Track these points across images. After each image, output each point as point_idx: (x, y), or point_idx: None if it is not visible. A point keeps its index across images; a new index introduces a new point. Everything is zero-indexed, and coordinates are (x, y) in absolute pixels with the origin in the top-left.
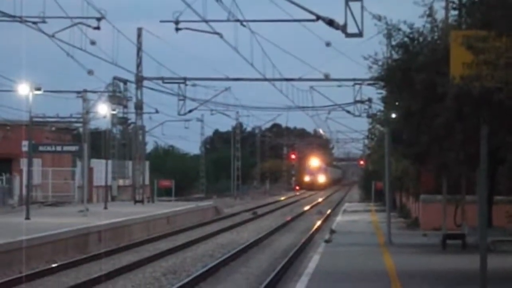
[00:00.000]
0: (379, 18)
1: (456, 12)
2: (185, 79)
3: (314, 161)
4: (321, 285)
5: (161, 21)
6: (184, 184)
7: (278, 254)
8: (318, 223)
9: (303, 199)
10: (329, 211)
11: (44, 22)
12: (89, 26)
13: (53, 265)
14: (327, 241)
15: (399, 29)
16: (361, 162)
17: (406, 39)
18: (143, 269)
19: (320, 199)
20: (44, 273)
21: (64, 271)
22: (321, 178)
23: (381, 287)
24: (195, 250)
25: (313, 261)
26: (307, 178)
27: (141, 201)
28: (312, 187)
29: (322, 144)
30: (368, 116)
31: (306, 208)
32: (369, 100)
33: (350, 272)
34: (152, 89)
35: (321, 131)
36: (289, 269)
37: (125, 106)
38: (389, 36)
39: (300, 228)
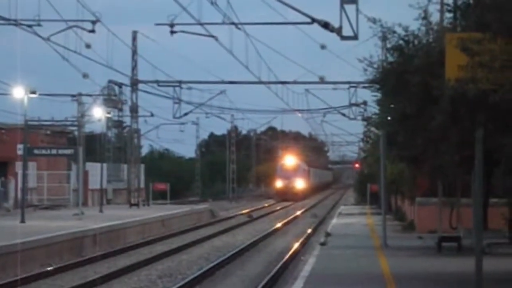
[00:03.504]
0: (374, 20)
1: (451, 15)
2: (180, 82)
3: (290, 160)
4: None
5: (156, 24)
6: (179, 187)
7: (273, 257)
8: (313, 226)
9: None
10: (324, 214)
11: (39, 25)
12: (84, 29)
13: (49, 269)
14: (322, 244)
15: (394, 32)
16: (356, 165)
17: (401, 41)
18: (138, 272)
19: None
20: (39, 276)
21: (60, 274)
22: (299, 183)
23: None
24: (190, 253)
25: (308, 264)
26: (279, 184)
27: (136, 204)
28: (285, 196)
29: (317, 147)
30: (363, 119)
31: (301, 211)
32: (364, 103)
33: (346, 275)
34: (147, 92)
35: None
36: (285, 272)
37: (120, 110)
38: (384, 38)
39: (295, 231)
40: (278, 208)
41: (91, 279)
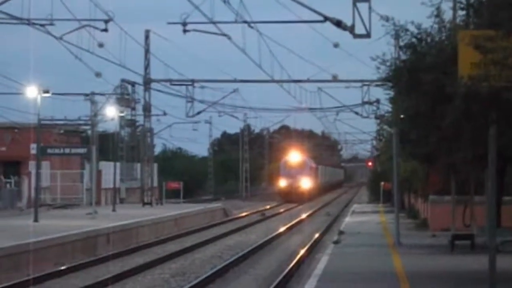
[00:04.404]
0: (386, 19)
1: (463, 12)
2: (193, 81)
3: (294, 157)
4: (329, 286)
5: (168, 23)
6: (192, 186)
7: (286, 255)
8: (327, 224)
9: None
10: (337, 213)
11: (52, 24)
12: (96, 28)
13: (62, 268)
14: (335, 242)
15: (407, 30)
16: (369, 163)
17: (414, 39)
18: (151, 271)
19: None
20: (53, 275)
21: (73, 273)
22: (305, 183)
23: None
24: (203, 251)
25: (321, 262)
26: (282, 183)
27: (150, 203)
28: (289, 196)
29: (330, 145)
30: (376, 117)
31: (315, 209)
32: (377, 101)
33: (359, 273)
34: (160, 91)
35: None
36: (298, 270)
37: (133, 108)
38: (396, 36)
39: (308, 229)
40: (290, 207)
41: (104, 278)
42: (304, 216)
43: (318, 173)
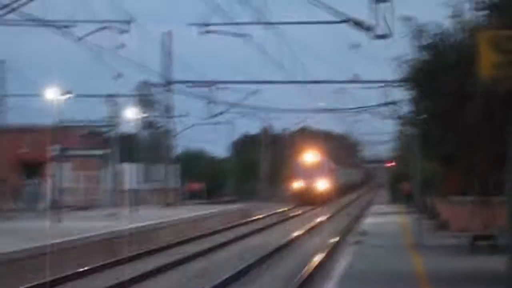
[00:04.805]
0: (406, 19)
1: (484, 12)
2: (213, 82)
3: (310, 156)
4: (350, 287)
5: (189, 24)
6: (213, 187)
7: (307, 256)
8: (347, 225)
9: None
10: (357, 213)
11: (72, 26)
12: (117, 29)
13: (84, 269)
14: (356, 243)
15: (427, 30)
16: (389, 164)
17: (434, 39)
18: (172, 272)
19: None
20: (74, 276)
21: (95, 275)
22: (321, 184)
23: None
24: (225, 252)
25: (342, 263)
26: (297, 184)
27: (171, 204)
28: (305, 198)
29: (350, 145)
30: (397, 118)
31: (335, 210)
32: (398, 101)
33: (379, 274)
34: (180, 92)
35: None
36: (319, 270)
37: (154, 110)
38: (416, 37)
39: (329, 230)
40: (309, 208)
41: (126, 279)
42: (324, 218)
43: (336, 174)
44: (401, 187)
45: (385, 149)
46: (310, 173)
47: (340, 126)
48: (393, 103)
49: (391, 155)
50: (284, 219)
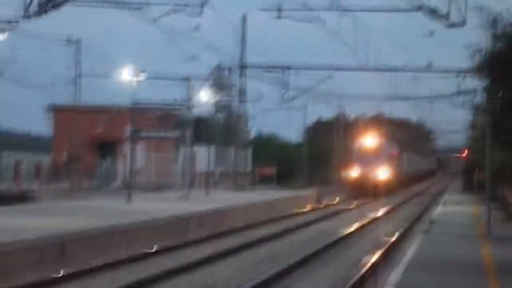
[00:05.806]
0: (481, 8)
1: None
2: (288, 67)
3: (370, 140)
4: (416, 276)
5: (261, 10)
6: (285, 172)
7: (376, 242)
8: (418, 213)
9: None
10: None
11: (146, 7)
12: (192, 12)
13: (153, 250)
14: (426, 231)
15: (502, 19)
16: (463, 153)
17: (509, 28)
18: (242, 254)
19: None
20: (143, 256)
21: (164, 255)
22: (382, 173)
23: (476, 279)
24: (294, 236)
25: (410, 251)
26: (353, 173)
27: (243, 188)
28: (361, 189)
29: (423, 133)
30: (471, 107)
31: (405, 198)
32: (473, 90)
33: (447, 263)
34: (255, 76)
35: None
36: (387, 257)
37: (228, 93)
38: (491, 25)
39: (399, 217)
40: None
41: (195, 260)
42: (394, 205)
43: (401, 161)
44: (475, 176)
45: (459, 138)
46: (369, 159)
47: (415, 114)
48: (467, 92)
49: (465, 144)
50: (356, 206)
